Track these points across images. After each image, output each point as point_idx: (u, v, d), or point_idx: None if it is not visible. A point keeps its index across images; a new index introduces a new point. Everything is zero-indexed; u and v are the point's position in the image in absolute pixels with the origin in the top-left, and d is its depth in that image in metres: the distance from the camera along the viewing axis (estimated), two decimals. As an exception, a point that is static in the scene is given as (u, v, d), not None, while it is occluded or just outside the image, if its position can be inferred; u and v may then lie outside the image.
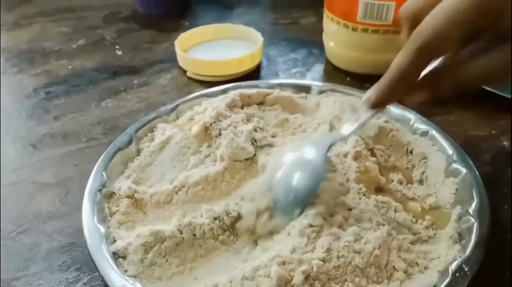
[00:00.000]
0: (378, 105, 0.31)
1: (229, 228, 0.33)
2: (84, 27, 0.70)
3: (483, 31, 0.27)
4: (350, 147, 0.37)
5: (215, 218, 0.32)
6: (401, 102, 0.31)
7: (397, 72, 0.29)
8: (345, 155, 0.37)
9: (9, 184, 0.41)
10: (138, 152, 0.40)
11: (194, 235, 0.32)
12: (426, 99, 0.29)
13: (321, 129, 0.40)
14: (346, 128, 0.34)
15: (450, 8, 0.26)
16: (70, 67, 0.59)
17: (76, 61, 0.61)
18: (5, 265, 0.34)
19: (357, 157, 0.37)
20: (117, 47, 0.64)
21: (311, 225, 0.30)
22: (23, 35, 0.68)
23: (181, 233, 0.31)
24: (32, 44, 0.65)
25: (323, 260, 0.28)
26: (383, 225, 0.31)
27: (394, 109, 0.42)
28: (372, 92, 0.31)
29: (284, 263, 0.28)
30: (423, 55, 0.28)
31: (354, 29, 0.50)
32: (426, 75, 0.29)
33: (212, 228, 0.32)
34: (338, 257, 0.29)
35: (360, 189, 0.34)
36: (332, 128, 0.40)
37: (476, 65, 0.27)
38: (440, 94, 0.29)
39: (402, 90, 0.30)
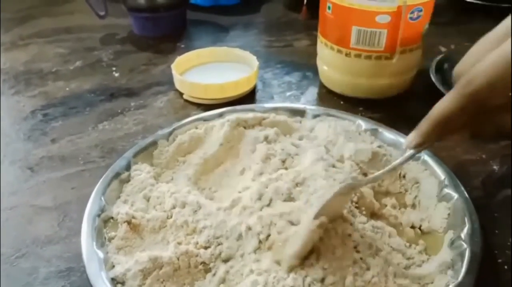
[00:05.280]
0: (420, 145, 0.31)
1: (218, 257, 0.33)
2: (81, 48, 0.71)
3: None
4: (346, 173, 0.38)
5: (205, 247, 0.33)
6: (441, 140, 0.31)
7: (443, 115, 0.29)
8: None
9: (7, 207, 0.41)
10: (136, 176, 0.41)
11: (189, 263, 0.32)
12: (466, 138, 0.30)
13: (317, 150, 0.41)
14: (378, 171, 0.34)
15: (505, 58, 0.26)
16: (67, 88, 0.60)
17: (73, 82, 0.61)
18: (4, 291, 0.34)
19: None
20: (114, 69, 0.64)
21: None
22: (20, 56, 0.69)
23: (178, 259, 0.32)
24: (29, 65, 0.66)
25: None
26: (381, 250, 0.32)
27: (386, 134, 0.43)
28: (414, 134, 0.31)
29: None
30: (473, 101, 0.27)
31: (347, 55, 0.51)
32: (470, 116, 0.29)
33: (204, 261, 0.32)
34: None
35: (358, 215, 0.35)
36: (327, 151, 0.41)
37: None
38: (482, 135, 0.29)
39: (445, 132, 0.30)
